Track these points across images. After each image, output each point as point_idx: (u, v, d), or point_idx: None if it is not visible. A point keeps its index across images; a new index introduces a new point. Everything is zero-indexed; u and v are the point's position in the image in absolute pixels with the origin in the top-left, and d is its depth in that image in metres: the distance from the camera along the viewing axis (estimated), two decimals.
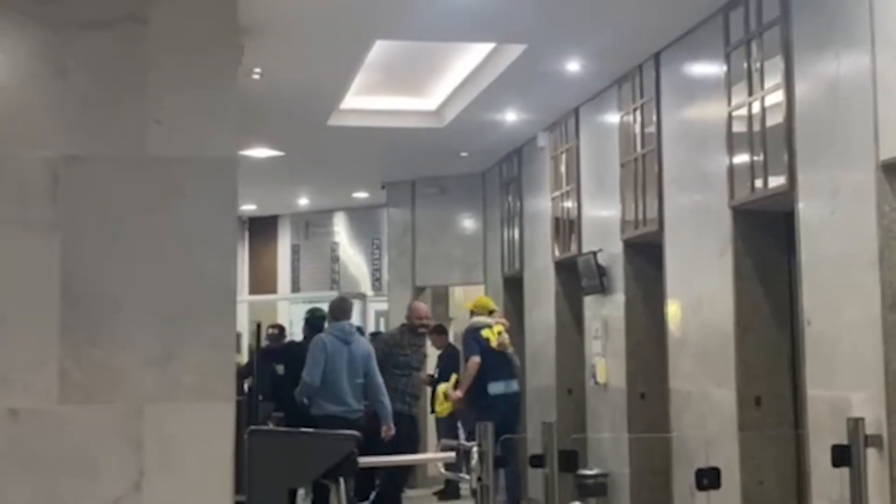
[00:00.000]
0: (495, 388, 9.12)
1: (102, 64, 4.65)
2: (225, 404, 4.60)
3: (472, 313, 9.88)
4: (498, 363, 9.23)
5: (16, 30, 4.58)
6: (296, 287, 16.48)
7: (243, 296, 16.52)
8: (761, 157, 6.35)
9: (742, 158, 6.61)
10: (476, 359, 9.24)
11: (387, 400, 8.64)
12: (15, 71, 4.58)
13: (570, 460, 4.82)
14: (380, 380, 8.68)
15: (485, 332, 9.36)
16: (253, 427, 4.81)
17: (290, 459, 4.54)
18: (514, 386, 9.33)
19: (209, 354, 4.60)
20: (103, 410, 4.51)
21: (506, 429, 8.08)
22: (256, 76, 7.97)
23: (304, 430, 5.38)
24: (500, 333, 9.20)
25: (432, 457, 5.15)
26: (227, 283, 4.68)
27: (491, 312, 9.72)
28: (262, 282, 16.78)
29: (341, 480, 4.49)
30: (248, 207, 16.01)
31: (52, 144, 4.56)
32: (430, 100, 9.82)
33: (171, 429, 4.55)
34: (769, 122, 6.27)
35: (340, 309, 8.84)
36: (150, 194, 4.62)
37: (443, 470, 4.93)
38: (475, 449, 4.59)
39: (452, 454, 4.89)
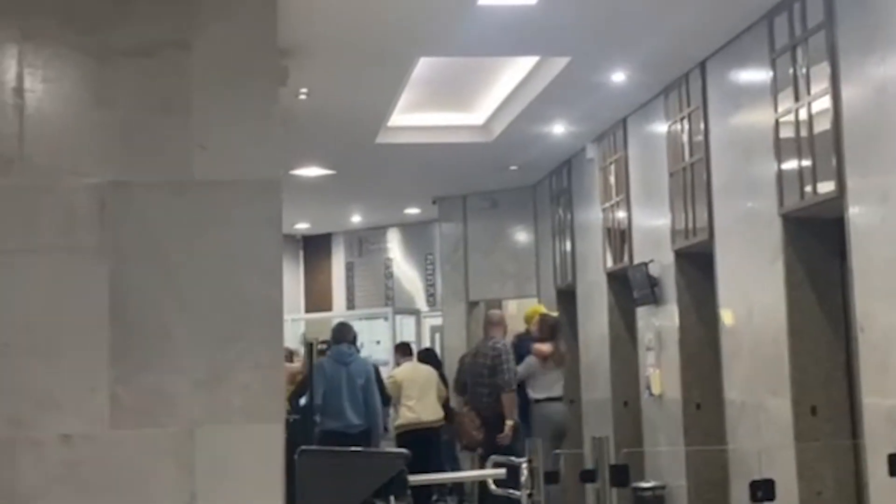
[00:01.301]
0: None
1: (146, 91, 4.71)
2: (274, 425, 4.64)
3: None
4: None
5: (60, 60, 4.66)
6: (351, 304, 16.54)
7: (300, 314, 16.61)
8: (810, 164, 6.27)
9: (790, 165, 6.54)
10: None
11: (379, 420, 9.38)
12: (61, 100, 4.65)
13: (622, 475, 4.79)
14: (376, 401, 9.36)
15: None
16: (303, 447, 4.83)
17: (341, 479, 4.55)
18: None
19: (257, 376, 4.64)
20: (154, 434, 4.56)
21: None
22: (303, 96, 8.02)
23: (354, 448, 5.40)
24: None
25: (482, 473, 5.13)
26: (274, 305, 4.72)
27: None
28: (318, 300, 16.87)
29: (392, 499, 4.49)
30: (302, 226, 16.12)
31: (99, 171, 4.63)
32: (477, 114, 9.83)
33: (221, 451, 4.59)
34: (817, 128, 6.20)
35: (340, 333, 9.64)
36: (196, 218, 4.67)
37: (493, 487, 4.90)
38: (524, 465, 4.56)
39: (503, 471, 4.87)
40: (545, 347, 9.72)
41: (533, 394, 9.53)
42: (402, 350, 12.11)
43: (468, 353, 9.46)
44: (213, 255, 4.65)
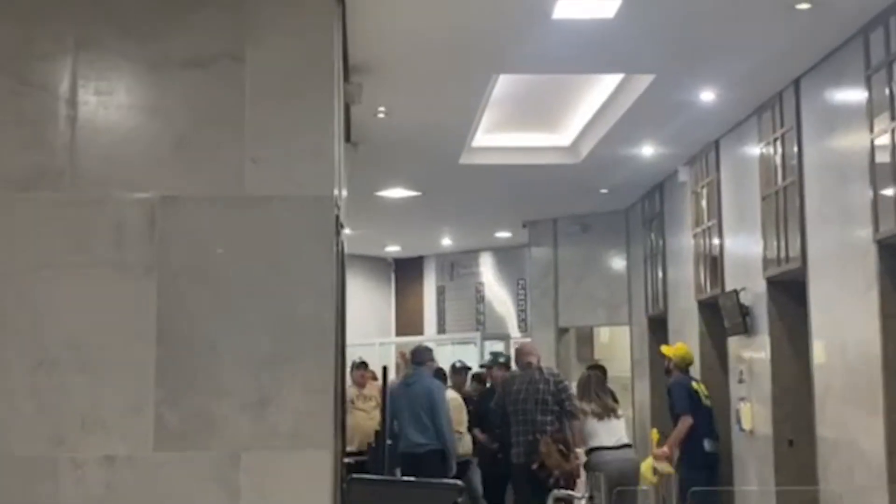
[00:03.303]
0: (709, 445, 8.65)
1: (199, 103, 4.59)
2: (322, 452, 4.45)
3: (675, 366, 8.99)
4: (709, 419, 8.75)
5: (114, 71, 4.57)
6: (441, 328, 16.37)
7: (390, 337, 16.49)
8: None
9: (886, 189, 6.15)
10: (689, 419, 8.67)
11: (447, 438, 8.89)
12: (113, 112, 4.55)
13: None
14: (442, 420, 8.91)
15: (695, 385, 8.85)
16: (354, 475, 4.64)
17: None
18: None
19: (306, 400, 4.47)
20: (199, 457, 4.41)
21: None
22: (381, 115, 7.87)
23: (405, 478, 5.19)
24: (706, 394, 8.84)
25: None
26: (325, 325, 4.55)
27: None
28: (409, 323, 16.73)
29: None
30: (393, 249, 16.02)
31: (149, 185, 4.52)
32: (563, 135, 9.56)
33: (267, 477, 4.43)
34: None
35: (416, 356, 9.51)
36: (246, 234, 4.53)
37: None
38: (584, 500, 4.30)
39: None
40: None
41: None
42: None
43: (510, 382, 8.67)
44: (263, 273, 4.51)
